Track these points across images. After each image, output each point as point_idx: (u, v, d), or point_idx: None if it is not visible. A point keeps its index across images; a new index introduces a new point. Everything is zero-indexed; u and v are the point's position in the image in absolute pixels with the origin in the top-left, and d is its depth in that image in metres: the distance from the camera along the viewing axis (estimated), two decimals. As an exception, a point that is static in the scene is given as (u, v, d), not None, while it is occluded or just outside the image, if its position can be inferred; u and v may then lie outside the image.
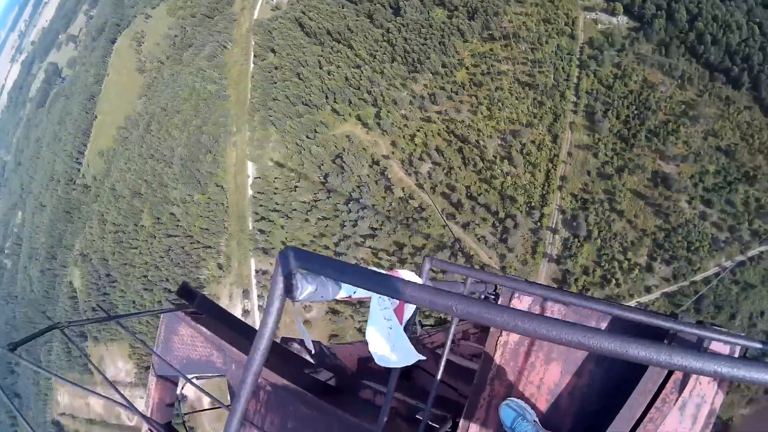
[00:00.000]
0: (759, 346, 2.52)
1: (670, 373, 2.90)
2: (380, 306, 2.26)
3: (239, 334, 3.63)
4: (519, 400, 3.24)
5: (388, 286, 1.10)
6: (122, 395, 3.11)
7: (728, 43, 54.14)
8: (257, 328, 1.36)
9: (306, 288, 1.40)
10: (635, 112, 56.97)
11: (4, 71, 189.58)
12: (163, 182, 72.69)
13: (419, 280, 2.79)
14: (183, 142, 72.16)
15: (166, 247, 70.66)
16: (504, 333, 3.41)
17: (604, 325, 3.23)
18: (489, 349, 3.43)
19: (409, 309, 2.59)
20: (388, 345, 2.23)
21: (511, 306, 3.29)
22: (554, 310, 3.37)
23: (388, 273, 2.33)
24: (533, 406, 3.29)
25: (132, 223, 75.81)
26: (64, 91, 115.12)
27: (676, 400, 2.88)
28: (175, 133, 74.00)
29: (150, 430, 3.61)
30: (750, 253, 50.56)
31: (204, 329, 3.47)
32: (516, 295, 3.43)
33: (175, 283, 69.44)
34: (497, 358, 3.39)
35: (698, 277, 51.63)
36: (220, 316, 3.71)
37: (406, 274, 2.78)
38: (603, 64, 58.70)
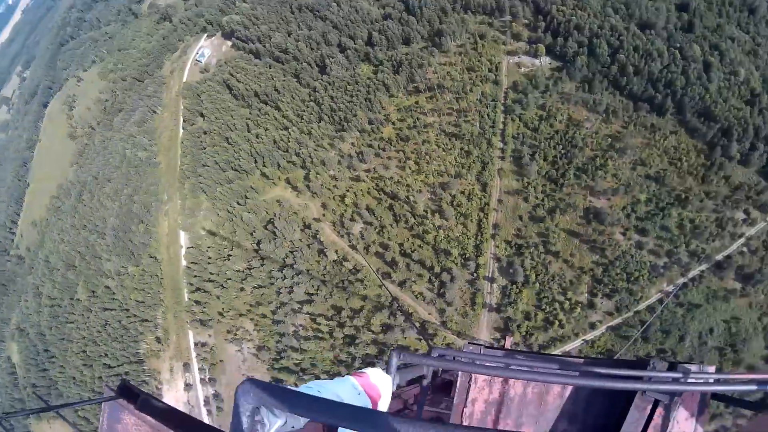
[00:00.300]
0: (753, 388, 2.49)
1: (649, 420, 2.98)
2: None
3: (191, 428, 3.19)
4: None
5: (352, 418, 1.12)
6: None
7: (650, 72, 55.60)
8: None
9: (274, 422, 1.28)
10: (562, 151, 57.66)
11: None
12: (97, 254, 70.10)
13: (388, 378, 2.79)
14: (115, 212, 70.11)
15: (103, 322, 68.05)
16: (469, 404, 3.45)
17: (570, 387, 3.25)
18: (455, 421, 3.43)
19: (383, 407, 2.59)
20: None
21: (474, 378, 3.70)
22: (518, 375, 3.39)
23: (356, 376, 2.47)
24: None
25: (68, 297, 72.81)
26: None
27: None
28: (107, 202, 71.85)
29: None
30: (691, 274, 51.46)
31: (149, 417, 3.13)
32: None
33: (114, 358, 66.86)
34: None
35: (642, 306, 52.10)
36: (167, 415, 3.12)
37: (374, 373, 2.71)
38: (528, 107, 59.47)
